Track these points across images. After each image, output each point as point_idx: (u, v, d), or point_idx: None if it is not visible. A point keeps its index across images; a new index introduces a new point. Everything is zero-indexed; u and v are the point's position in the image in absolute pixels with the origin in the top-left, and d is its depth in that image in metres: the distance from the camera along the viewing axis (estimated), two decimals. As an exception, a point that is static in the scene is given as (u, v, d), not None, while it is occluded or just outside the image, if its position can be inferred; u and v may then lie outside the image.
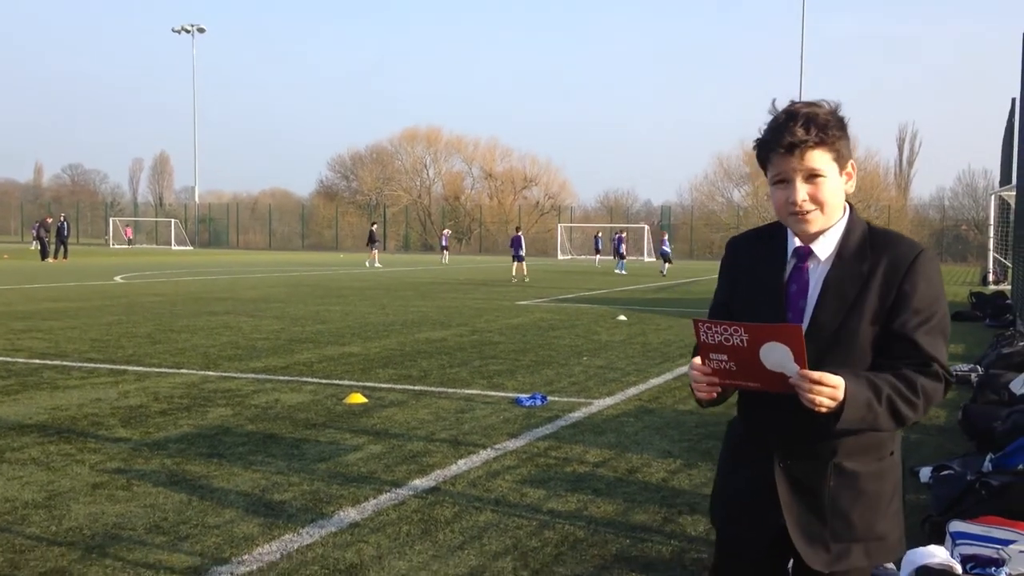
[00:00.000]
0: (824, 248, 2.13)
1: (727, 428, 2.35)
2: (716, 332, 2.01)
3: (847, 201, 2.16)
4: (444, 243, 48.78)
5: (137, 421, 6.96)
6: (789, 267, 2.16)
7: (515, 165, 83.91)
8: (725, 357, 2.01)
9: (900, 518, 2.21)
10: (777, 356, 1.95)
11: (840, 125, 2.09)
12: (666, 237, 41.03)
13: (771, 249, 2.20)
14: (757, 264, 2.21)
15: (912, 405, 2.02)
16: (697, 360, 2.07)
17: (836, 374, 1.95)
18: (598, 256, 49.39)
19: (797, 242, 2.16)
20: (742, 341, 1.97)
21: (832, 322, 2.08)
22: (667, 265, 37.05)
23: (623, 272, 37.45)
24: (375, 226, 43.86)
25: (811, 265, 2.14)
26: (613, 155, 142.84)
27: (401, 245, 76.93)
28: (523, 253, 32.11)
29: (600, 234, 52.89)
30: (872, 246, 2.11)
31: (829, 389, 1.92)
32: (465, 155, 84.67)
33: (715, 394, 2.09)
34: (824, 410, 1.94)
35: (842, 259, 2.11)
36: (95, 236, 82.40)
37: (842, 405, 1.94)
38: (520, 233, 33.10)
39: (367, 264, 39.04)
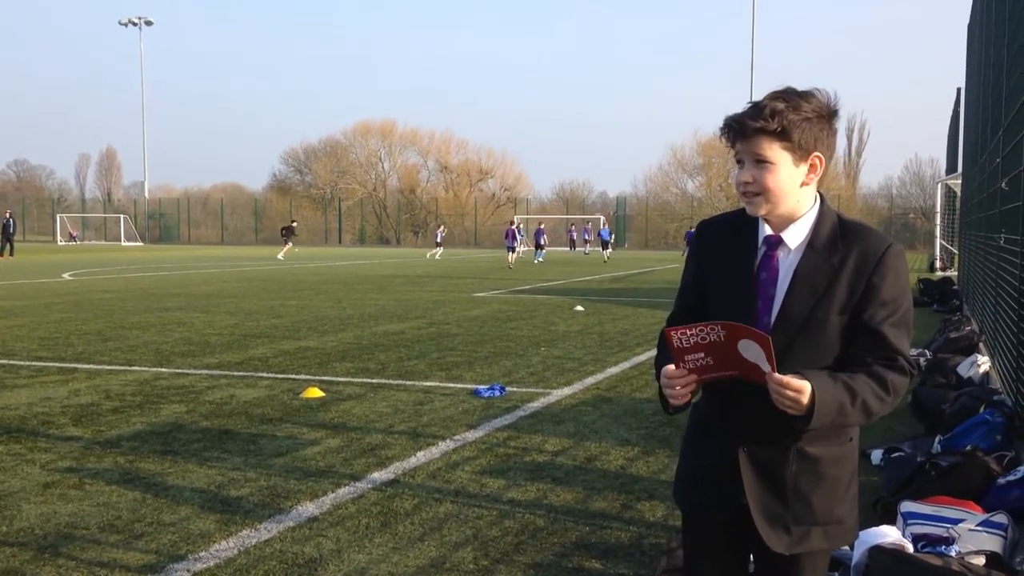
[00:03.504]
0: (794, 237, 2.14)
1: (691, 411, 2.37)
2: (691, 335, 2.01)
3: (819, 192, 2.17)
4: (439, 239, 48.62)
5: (88, 419, 6.84)
6: (759, 254, 2.17)
7: (471, 157, 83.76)
8: (702, 354, 2.02)
9: (856, 503, 2.25)
10: (754, 351, 1.97)
11: (806, 117, 2.07)
12: (607, 228, 42.68)
13: (742, 235, 2.21)
14: (728, 250, 2.22)
15: (883, 402, 2.06)
16: (671, 367, 2.07)
17: (804, 377, 1.96)
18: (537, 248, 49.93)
19: (768, 230, 2.16)
20: (719, 336, 1.99)
21: (801, 312, 2.10)
22: (607, 252, 39.07)
23: (540, 260, 39.22)
24: (294, 222, 47.41)
25: (781, 254, 2.15)
26: (568, 146, 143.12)
27: (356, 239, 76.39)
28: (516, 244, 34.29)
29: (607, 226, 53.11)
30: (843, 238, 2.12)
31: (793, 393, 1.94)
32: (420, 148, 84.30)
33: (690, 395, 2.11)
34: (791, 412, 1.97)
35: (813, 249, 2.12)
36: (42, 233, 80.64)
37: (811, 411, 1.96)
38: (514, 226, 35.26)
39: (280, 256, 40.88)
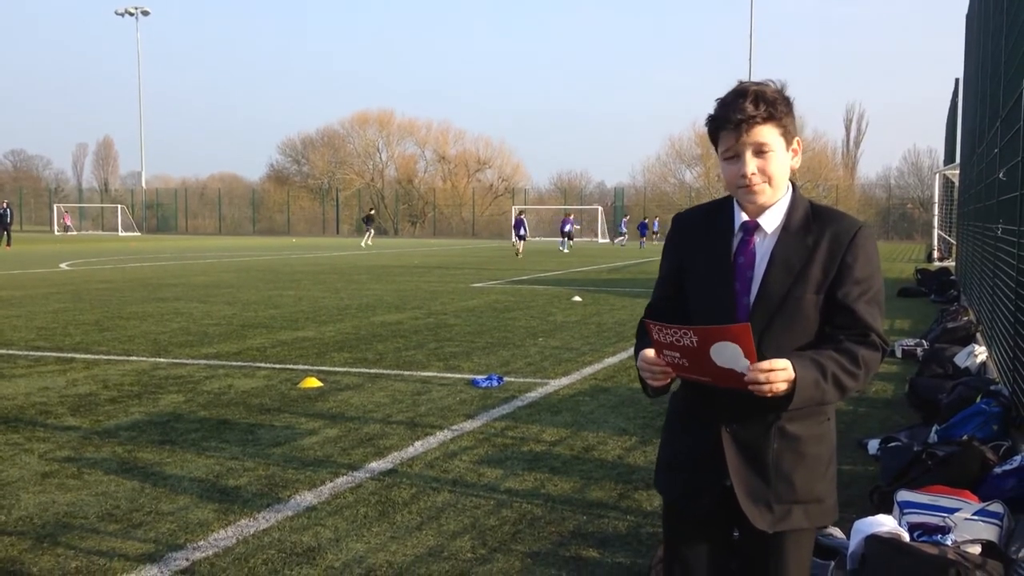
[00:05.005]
0: (770, 222, 2.22)
1: (670, 398, 2.42)
2: (668, 333, 2.08)
3: (791, 179, 2.25)
4: (550, 231, 49.38)
5: (86, 409, 6.84)
6: (736, 240, 2.24)
7: (468, 148, 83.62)
8: (678, 354, 2.09)
9: (835, 484, 2.31)
10: (727, 354, 2.01)
11: (786, 102, 2.18)
12: (571, 217, 44.30)
13: (718, 224, 2.28)
14: (706, 238, 2.29)
15: (854, 376, 2.13)
16: (651, 353, 2.15)
17: (781, 358, 2.04)
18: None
19: (744, 216, 2.24)
20: (692, 342, 2.04)
21: (779, 291, 2.17)
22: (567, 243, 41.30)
23: (565, 250, 40.61)
24: (372, 211, 52.15)
25: (757, 238, 2.22)
26: (566, 137, 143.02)
27: (354, 229, 76.31)
28: (523, 233, 36.05)
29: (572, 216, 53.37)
30: (815, 220, 2.21)
31: (782, 372, 2.01)
32: (418, 138, 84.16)
33: (668, 380, 2.18)
34: (780, 393, 2.03)
35: (788, 232, 2.20)
36: (39, 223, 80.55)
37: (793, 388, 2.03)
38: (523, 216, 36.83)
39: (365, 243, 45.45)
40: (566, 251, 39.88)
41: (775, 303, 2.16)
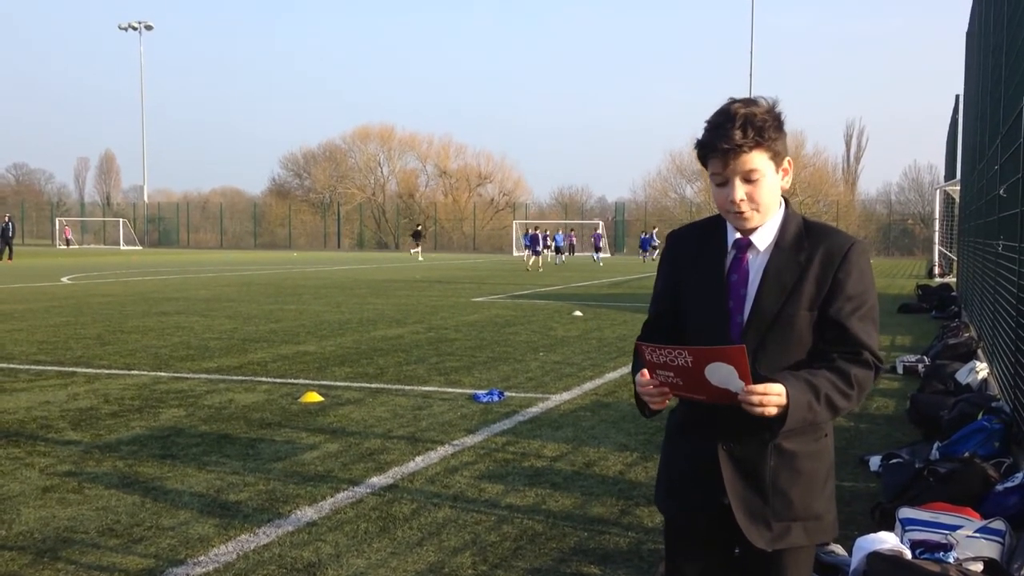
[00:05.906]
0: (763, 239, 2.22)
1: (669, 415, 2.42)
2: (661, 354, 2.08)
3: (783, 196, 2.24)
4: (570, 241, 50.04)
5: (87, 423, 6.84)
6: (729, 257, 2.25)
7: (469, 162, 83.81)
8: (672, 374, 2.09)
9: (834, 500, 2.30)
10: (722, 374, 2.02)
11: (777, 125, 2.14)
12: (561, 233, 46.53)
13: (712, 241, 2.28)
14: (699, 255, 2.29)
15: (847, 397, 2.12)
16: (645, 375, 2.15)
17: (776, 381, 2.04)
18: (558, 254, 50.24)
19: (737, 234, 2.24)
20: (687, 362, 2.05)
21: (772, 308, 2.17)
22: (561, 256, 43.56)
23: (600, 264, 42.83)
24: (419, 227, 54.26)
25: (750, 255, 2.23)
26: (567, 152, 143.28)
27: (355, 243, 76.39)
28: (540, 248, 37.42)
29: (561, 231, 53.44)
30: (808, 237, 2.21)
31: (775, 397, 2.01)
32: (419, 152, 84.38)
33: (666, 400, 2.18)
34: (772, 416, 2.03)
35: (780, 249, 2.20)
36: (41, 237, 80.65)
37: (786, 411, 2.02)
38: (536, 232, 38.23)
39: (420, 258, 47.27)
40: (601, 264, 42.04)
41: (768, 321, 2.16)
